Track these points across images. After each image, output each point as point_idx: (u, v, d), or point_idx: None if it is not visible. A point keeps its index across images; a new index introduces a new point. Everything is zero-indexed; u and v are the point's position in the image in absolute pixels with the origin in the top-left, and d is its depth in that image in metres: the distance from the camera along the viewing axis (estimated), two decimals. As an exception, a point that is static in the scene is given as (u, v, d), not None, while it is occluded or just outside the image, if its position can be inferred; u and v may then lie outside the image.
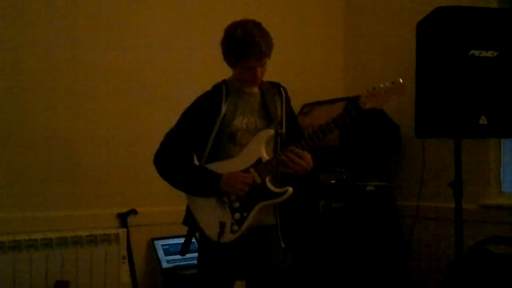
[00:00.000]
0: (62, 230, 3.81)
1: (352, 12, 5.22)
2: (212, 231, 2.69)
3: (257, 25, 2.72)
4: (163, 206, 4.20)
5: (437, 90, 3.39)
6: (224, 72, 2.86)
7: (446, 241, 3.97)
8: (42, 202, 3.84)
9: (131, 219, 4.11)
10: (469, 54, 3.33)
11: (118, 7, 4.19)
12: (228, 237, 2.67)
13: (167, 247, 4.17)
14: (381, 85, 2.65)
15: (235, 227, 2.67)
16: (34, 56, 3.87)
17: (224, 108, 2.74)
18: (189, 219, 2.80)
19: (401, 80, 2.64)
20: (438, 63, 3.40)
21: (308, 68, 5.02)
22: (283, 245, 2.77)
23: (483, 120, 3.35)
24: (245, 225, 2.67)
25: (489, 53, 3.34)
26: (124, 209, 4.10)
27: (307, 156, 2.68)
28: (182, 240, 4.13)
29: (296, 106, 4.90)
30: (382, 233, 4.26)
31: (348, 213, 4.18)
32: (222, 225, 2.64)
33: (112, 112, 4.13)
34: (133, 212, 4.12)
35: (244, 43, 2.64)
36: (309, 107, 4.83)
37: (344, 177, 4.28)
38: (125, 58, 4.18)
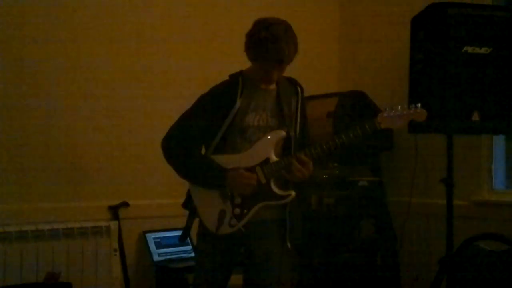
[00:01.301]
0: (53, 222, 3.79)
1: (346, 7, 5.21)
2: (210, 221, 2.68)
3: (287, 29, 2.65)
4: (155, 199, 4.20)
5: (430, 86, 3.40)
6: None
7: (437, 237, 3.97)
8: (33, 194, 3.83)
9: (122, 212, 4.10)
10: (463, 50, 3.34)
11: (118, 8, 4.18)
12: (226, 230, 2.67)
13: (158, 240, 4.17)
14: (399, 107, 2.65)
15: (233, 222, 2.67)
16: (34, 54, 3.86)
17: (239, 103, 2.70)
18: (189, 205, 2.78)
19: (419, 105, 2.65)
20: (432, 59, 3.40)
21: (302, 62, 4.97)
22: (289, 246, 2.75)
23: (475, 117, 3.36)
24: (243, 222, 2.68)
25: (482, 50, 3.35)
26: (115, 202, 4.08)
27: (311, 166, 2.67)
28: (173, 233, 4.16)
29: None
30: (374, 229, 4.27)
31: (340, 208, 4.18)
32: (221, 215, 2.64)
33: (105, 106, 4.11)
34: (125, 204, 4.11)
35: (268, 45, 2.59)
36: (302, 102, 4.83)
37: (336, 172, 4.28)
38: (122, 53, 4.17)
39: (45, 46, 3.90)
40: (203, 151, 2.81)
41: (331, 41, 5.25)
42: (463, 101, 3.35)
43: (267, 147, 2.70)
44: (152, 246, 4.13)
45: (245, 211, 2.67)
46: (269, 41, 2.59)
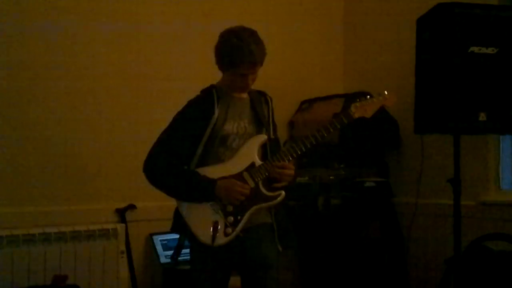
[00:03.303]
0: (61, 225, 3.80)
1: (351, 8, 5.21)
2: (204, 235, 2.68)
3: (252, 33, 2.75)
4: (161, 201, 4.15)
5: (437, 86, 3.39)
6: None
7: (444, 238, 3.97)
8: (40, 197, 3.84)
9: (129, 214, 4.11)
10: (469, 50, 3.32)
11: (118, 7, 4.19)
12: (222, 240, 2.68)
13: (165, 242, 4.17)
14: (368, 97, 2.83)
15: (229, 230, 2.69)
16: (34, 55, 3.87)
17: (217, 111, 2.75)
18: (179, 225, 2.80)
19: (386, 92, 2.85)
20: (438, 60, 3.40)
21: (307, 64, 5.02)
22: (280, 249, 2.81)
23: (482, 117, 3.34)
24: (239, 228, 2.69)
25: (489, 50, 3.34)
26: (122, 204, 4.09)
27: (292, 166, 2.75)
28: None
29: (294, 102, 4.96)
30: (381, 229, 4.27)
31: (347, 209, 4.18)
32: (215, 226, 2.65)
33: (111, 108, 4.13)
34: (132, 207, 4.12)
35: (239, 50, 2.67)
36: (308, 103, 4.83)
37: (343, 173, 4.28)
38: (124, 56, 4.19)
39: (45, 48, 3.91)
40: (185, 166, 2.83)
41: (336, 43, 5.25)
42: (469, 101, 3.34)
43: (251, 151, 2.77)
44: (159, 248, 4.14)
45: (239, 217, 2.71)
46: (240, 45, 2.67)
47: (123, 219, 4.07)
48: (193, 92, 2.88)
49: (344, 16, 5.26)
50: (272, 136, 2.86)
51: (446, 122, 3.38)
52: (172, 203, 4.04)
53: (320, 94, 4.75)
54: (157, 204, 4.19)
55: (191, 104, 2.83)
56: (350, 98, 4.43)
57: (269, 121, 2.89)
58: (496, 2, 4.06)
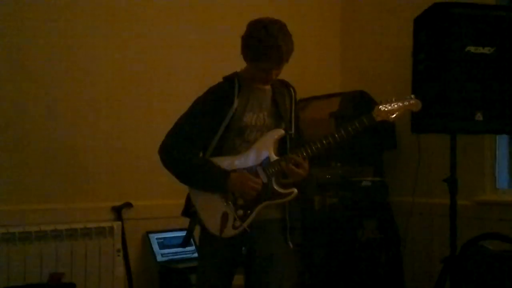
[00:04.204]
0: (57, 223, 3.79)
1: (348, 7, 5.21)
2: (213, 225, 2.67)
3: (282, 28, 2.66)
4: (158, 199, 4.20)
5: (433, 85, 3.40)
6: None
7: (440, 237, 3.97)
8: (36, 195, 3.84)
9: (126, 212, 4.10)
10: (466, 50, 3.33)
11: (117, 10, 4.19)
12: (230, 232, 2.66)
13: (162, 240, 4.17)
14: (394, 99, 2.72)
15: (237, 223, 2.66)
16: (33, 56, 3.87)
17: (236, 102, 2.70)
18: (190, 211, 2.75)
19: (413, 96, 2.75)
20: (435, 59, 3.40)
21: (304, 63, 5.01)
22: (291, 245, 2.77)
23: (478, 116, 3.35)
24: (247, 222, 2.67)
25: (485, 50, 3.34)
26: (118, 202, 4.09)
27: (306, 165, 2.68)
28: (177, 234, 4.17)
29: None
30: (377, 229, 4.27)
31: (343, 209, 4.18)
32: (224, 217, 2.64)
33: (109, 107, 4.13)
34: (128, 205, 4.11)
35: (266, 45, 2.59)
36: (304, 102, 4.82)
37: (340, 172, 4.27)
38: (120, 57, 4.17)
39: (46, 49, 3.91)
40: (200, 154, 2.79)
41: (333, 42, 5.25)
42: (466, 101, 3.35)
43: (266, 146, 2.71)
44: (155, 246, 4.14)
45: (249, 211, 2.67)
46: (268, 40, 2.59)
47: (119, 217, 4.07)
48: (193, 92, 2.84)
49: (341, 16, 5.26)
50: (291, 131, 2.77)
51: (443, 122, 3.38)
52: (168, 201, 4.07)
53: (317, 93, 4.74)
54: (153, 203, 4.21)
55: (212, 91, 2.76)
56: (347, 97, 4.45)
57: (291, 114, 2.82)
58: (492, 1, 4.06)
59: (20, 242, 3.64)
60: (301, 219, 3.23)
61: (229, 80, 2.77)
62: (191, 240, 3.22)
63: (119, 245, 3.97)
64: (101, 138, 4.08)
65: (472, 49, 3.33)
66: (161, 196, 4.18)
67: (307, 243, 4.24)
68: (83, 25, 4.05)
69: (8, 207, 3.73)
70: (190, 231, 2.80)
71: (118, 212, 4.08)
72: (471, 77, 3.34)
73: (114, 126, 4.13)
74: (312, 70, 5.05)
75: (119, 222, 4.03)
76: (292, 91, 2.88)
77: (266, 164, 2.68)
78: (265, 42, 2.59)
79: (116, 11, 4.18)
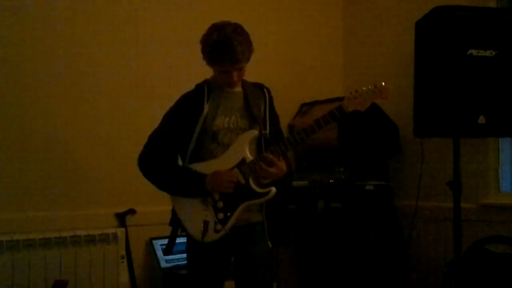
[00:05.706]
0: (61, 230, 3.80)
1: (350, 11, 5.22)
2: (195, 231, 2.70)
3: (236, 28, 2.69)
4: (161, 205, 4.16)
5: (436, 89, 3.39)
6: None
7: (445, 241, 3.97)
8: (40, 202, 3.84)
9: (129, 219, 4.11)
10: (468, 53, 3.33)
11: (117, 8, 4.19)
12: (212, 236, 2.68)
13: (165, 246, 4.16)
14: (364, 88, 2.70)
15: (219, 227, 2.68)
16: (33, 56, 3.87)
17: (206, 108, 2.74)
18: (173, 219, 2.82)
19: (383, 84, 2.70)
20: (437, 63, 3.40)
21: (307, 67, 5.02)
22: (270, 245, 2.78)
23: (481, 120, 3.35)
24: (228, 225, 2.69)
25: (487, 53, 3.34)
26: (122, 209, 4.09)
27: (281, 163, 2.69)
28: (181, 240, 4.14)
29: (294, 105, 4.96)
30: (381, 233, 4.26)
31: (347, 213, 4.17)
32: (205, 224, 2.66)
33: (111, 112, 4.13)
34: (132, 211, 4.12)
35: (219, 46, 2.63)
36: (308, 106, 4.83)
37: (343, 176, 4.27)
38: (123, 58, 4.18)
39: (45, 51, 3.91)
40: (180, 162, 2.83)
41: (335, 46, 5.25)
42: (468, 104, 3.35)
43: (241, 148, 2.72)
44: (159, 252, 4.13)
45: (229, 213, 2.69)
46: (221, 42, 2.63)
47: (123, 224, 4.07)
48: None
49: (344, 20, 5.26)
50: (265, 131, 2.78)
51: (446, 125, 3.38)
52: (172, 207, 4.05)
53: (320, 97, 4.74)
54: (157, 209, 4.18)
55: (181, 99, 2.82)
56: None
57: (265, 115, 2.84)
58: (494, 4, 4.07)
59: (24, 249, 3.64)
60: (286, 219, 3.22)
61: (199, 87, 2.83)
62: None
63: (123, 252, 3.97)
64: (105, 144, 4.08)
65: (474, 52, 3.33)
66: (164, 202, 4.13)
67: (310, 248, 4.24)
68: (83, 27, 4.05)
69: (12, 215, 3.73)
70: (172, 238, 2.85)
71: (121, 218, 4.08)
72: (473, 81, 3.34)
73: (117, 133, 4.13)
74: (314, 74, 5.06)
75: (123, 229, 4.03)
76: (266, 92, 2.91)
77: (242, 165, 2.70)
78: (218, 43, 2.64)
79: (116, 12, 4.19)
